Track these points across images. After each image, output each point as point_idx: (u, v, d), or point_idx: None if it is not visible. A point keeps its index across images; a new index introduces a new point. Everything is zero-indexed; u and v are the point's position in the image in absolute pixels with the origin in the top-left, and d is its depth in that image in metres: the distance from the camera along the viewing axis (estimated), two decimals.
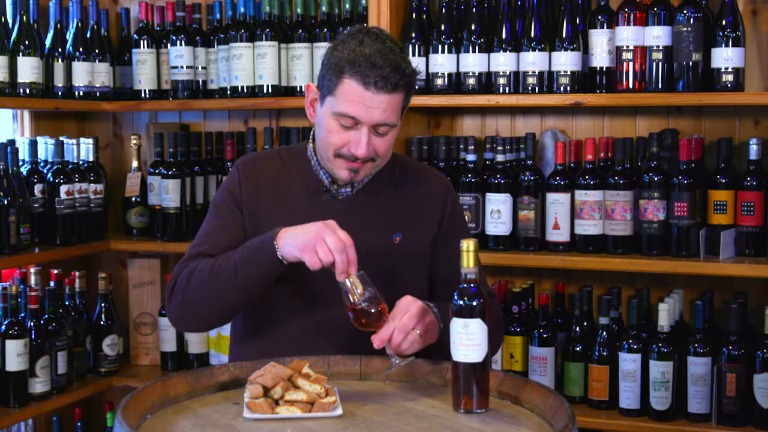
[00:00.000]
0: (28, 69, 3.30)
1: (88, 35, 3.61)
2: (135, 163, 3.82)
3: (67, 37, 3.57)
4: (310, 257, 2.11)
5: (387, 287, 2.19)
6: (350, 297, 2.08)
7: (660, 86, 3.02)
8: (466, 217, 3.18)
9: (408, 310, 2.11)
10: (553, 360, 3.21)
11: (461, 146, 3.33)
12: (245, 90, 3.49)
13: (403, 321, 2.09)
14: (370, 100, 2.21)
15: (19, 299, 3.20)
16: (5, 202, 3.16)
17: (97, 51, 3.61)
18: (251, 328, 2.41)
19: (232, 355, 2.48)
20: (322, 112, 2.31)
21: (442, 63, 3.26)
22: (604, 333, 3.11)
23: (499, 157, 3.23)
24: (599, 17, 3.10)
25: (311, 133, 2.45)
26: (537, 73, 3.15)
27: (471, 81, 3.24)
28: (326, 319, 2.31)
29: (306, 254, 2.11)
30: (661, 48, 3.01)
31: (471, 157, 3.26)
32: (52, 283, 3.45)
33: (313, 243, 2.11)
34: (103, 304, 3.67)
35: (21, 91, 3.29)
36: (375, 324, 2.08)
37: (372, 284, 2.10)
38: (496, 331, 2.34)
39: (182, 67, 3.60)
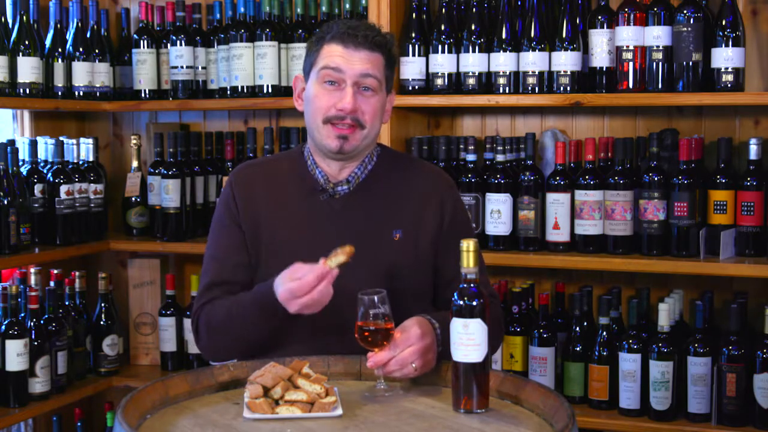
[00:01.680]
0: (28, 69, 3.30)
1: (88, 35, 3.61)
2: (135, 163, 3.82)
3: (67, 37, 3.56)
4: (311, 311, 2.16)
5: (389, 285, 2.19)
6: (360, 315, 2.07)
7: (660, 86, 3.02)
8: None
9: (411, 344, 2.09)
10: (553, 360, 3.21)
11: (461, 146, 3.33)
12: (245, 90, 3.49)
13: (403, 355, 2.07)
14: (350, 54, 2.32)
15: (19, 299, 3.20)
16: (5, 202, 3.16)
17: (97, 51, 3.61)
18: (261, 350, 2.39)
19: None
20: (308, 87, 2.39)
21: (442, 63, 3.26)
22: (604, 333, 3.11)
23: (499, 157, 3.23)
24: (599, 17, 3.10)
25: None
26: (537, 73, 3.15)
27: (471, 81, 3.24)
28: (338, 342, 2.29)
29: (308, 311, 2.17)
30: (661, 48, 3.01)
31: (471, 157, 3.26)
32: (52, 283, 3.45)
33: (304, 307, 2.15)
34: (103, 304, 3.67)
35: (21, 91, 3.29)
36: (379, 343, 2.07)
37: (388, 303, 2.07)
38: (496, 332, 2.33)
39: (182, 67, 3.60)
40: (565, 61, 3.13)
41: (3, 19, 3.29)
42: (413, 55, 3.30)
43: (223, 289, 2.39)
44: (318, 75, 2.34)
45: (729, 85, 2.95)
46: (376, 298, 2.05)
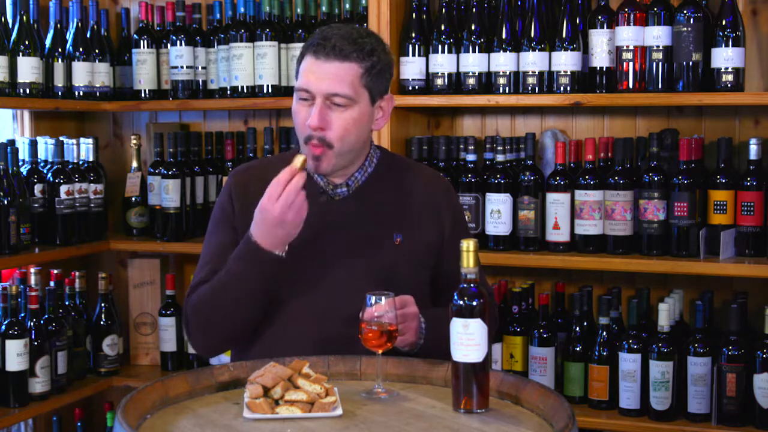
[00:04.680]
0: (28, 69, 3.30)
1: (88, 35, 3.61)
2: (135, 163, 3.82)
3: (67, 37, 3.56)
4: (291, 230, 2.20)
5: (388, 288, 2.19)
6: (366, 315, 2.07)
7: (660, 86, 3.02)
8: (466, 218, 3.18)
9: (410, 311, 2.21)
10: (553, 360, 3.21)
11: (461, 146, 3.33)
12: (245, 90, 3.49)
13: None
14: (319, 68, 2.26)
15: (19, 299, 3.20)
16: (5, 202, 3.16)
17: (97, 51, 3.61)
18: (252, 349, 2.39)
19: None
20: (293, 98, 2.36)
21: (442, 63, 3.26)
22: (604, 333, 3.11)
23: (499, 157, 3.23)
24: (599, 17, 3.10)
25: None
26: (537, 73, 3.16)
27: (471, 81, 3.24)
28: (329, 339, 2.30)
29: (293, 231, 2.20)
30: (661, 48, 3.01)
31: (471, 157, 3.26)
32: (52, 283, 3.45)
33: (287, 229, 2.19)
34: (103, 304, 3.67)
35: (21, 91, 3.29)
36: (383, 344, 2.06)
37: (395, 308, 2.08)
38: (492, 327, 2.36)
39: (182, 67, 3.61)
40: (565, 61, 3.13)
41: (3, 19, 3.29)
42: (413, 55, 3.30)
43: None
44: (296, 89, 2.32)
45: (729, 85, 2.95)
46: (383, 299, 2.06)
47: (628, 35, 3.03)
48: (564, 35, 3.14)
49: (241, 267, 2.25)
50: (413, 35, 3.30)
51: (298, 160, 2.19)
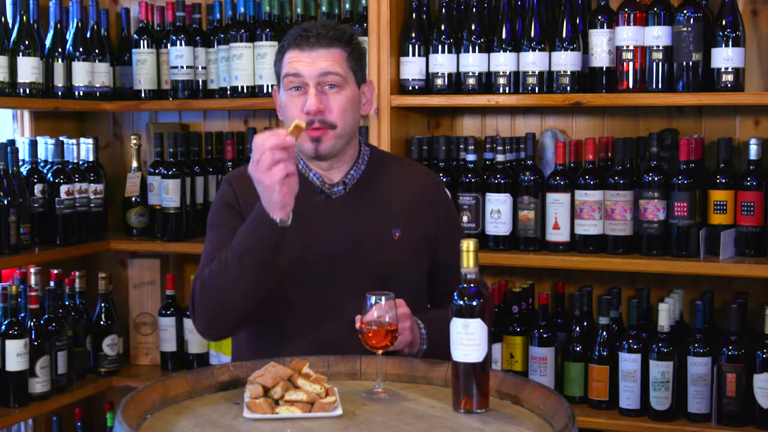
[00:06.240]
0: (28, 69, 3.30)
1: (88, 35, 3.61)
2: (135, 163, 3.82)
3: (67, 37, 3.56)
4: (280, 187, 2.06)
5: (390, 283, 2.20)
6: (366, 315, 2.07)
7: (660, 86, 3.02)
8: (466, 218, 3.20)
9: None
10: (553, 360, 3.21)
11: (461, 146, 3.33)
12: (245, 90, 3.49)
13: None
14: (308, 57, 2.31)
15: (19, 299, 3.20)
16: (5, 202, 3.16)
17: (97, 51, 3.61)
18: (255, 348, 2.39)
19: None
20: (281, 98, 2.39)
21: (442, 63, 3.26)
22: (604, 333, 3.11)
23: (499, 157, 3.23)
24: (599, 17, 3.10)
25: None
26: (537, 73, 3.16)
27: (471, 81, 3.24)
28: (331, 338, 2.30)
29: (277, 196, 2.07)
30: (661, 48, 3.01)
31: (471, 157, 3.26)
32: (52, 283, 3.45)
33: (271, 182, 2.06)
34: (103, 304, 3.67)
35: (21, 91, 3.29)
36: (382, 344, 2.07)
37: (395, 306, 2.08)
38: None
39: (182, 67, 3.61)
40: (565, 61, 3.13)
41: (3, 19, 3.29)
42: (413, 55, 3.29)
43: None
44: (283, 84, 2.36)
45: (729, 85, 2.95)
46: (383, 299, 2.06)
47: (628, 35, 3.03)
48: (564, 35, 3.14)
49: (243, 235, 2.17)
50: (413, 35, 3.30)
51: (292, 125, 2.07)
